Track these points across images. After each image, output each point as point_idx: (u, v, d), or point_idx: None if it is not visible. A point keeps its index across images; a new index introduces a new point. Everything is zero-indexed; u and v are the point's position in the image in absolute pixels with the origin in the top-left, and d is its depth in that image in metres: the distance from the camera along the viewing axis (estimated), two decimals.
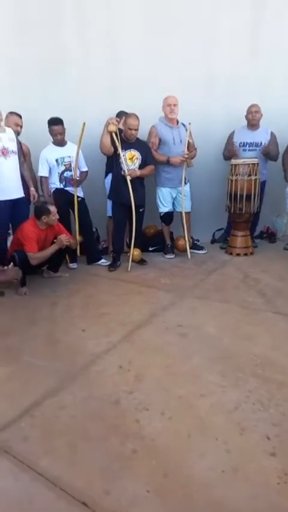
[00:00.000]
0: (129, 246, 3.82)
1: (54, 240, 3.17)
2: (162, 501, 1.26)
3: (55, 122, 3.49)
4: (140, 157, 3.53)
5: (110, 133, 3.32)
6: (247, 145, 3.92)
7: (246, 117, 3.87)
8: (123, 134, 3.44)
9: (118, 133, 3.36)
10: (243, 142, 3.93)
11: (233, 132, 4.00)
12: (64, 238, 3.10)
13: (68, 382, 1.90)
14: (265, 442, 1.48)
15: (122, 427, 1.58)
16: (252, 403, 1.69)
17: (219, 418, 1.62)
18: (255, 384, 1.82)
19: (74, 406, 1.73)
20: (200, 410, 1.66)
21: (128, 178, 3.42)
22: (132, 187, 3.43)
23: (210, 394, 1.77)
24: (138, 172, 3.49)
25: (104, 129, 3.34)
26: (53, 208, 3.10)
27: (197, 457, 1.42)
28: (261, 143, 3.89)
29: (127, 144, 3.46)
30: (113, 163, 3.58)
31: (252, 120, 3.84)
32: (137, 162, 3.53)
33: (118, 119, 3.46)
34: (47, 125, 3.54)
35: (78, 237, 3.76)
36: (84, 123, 3.40)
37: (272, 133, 3.91)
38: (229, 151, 3.94)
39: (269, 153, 3.83)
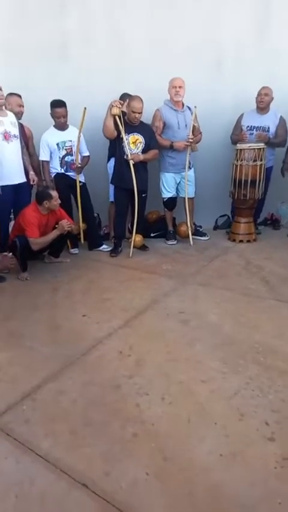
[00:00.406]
0: (131, 232, 3.79)
1: (56, 226, 3.14)
2: (162, 484, 1.27)
3: (58, 104, 3.42)
4: (144, 141, 3.46)
5: (113, 116, 3.25)
6: (254, 129, 3.83)
7: (256, 99, 3.77)
8: (127, 117, 3.37)
9: (122, 116, 3.29)
10: (251, 126, 3.85)
11: (242, 115, 3.91)
12: (66, 224, 3.07)
13: (69, 367, 1.91)
14: (264, 428, 1.48)
15: (123, 411, 1.60)
16: (252, 390, 1.70)
17: (219, 403, 1.63)
18: (256, 370, 1.82)
19: (74, 390, 1.74)
20: (200, 396, 1.67)
21: (131, 162, 3.36)
22: (135, 172, 3.38)
23: (210, 380, 1.77)
24: (141, 157, 3.43)
25: (107, 112, 3.27)
26: (54, 193, 3.06)
27: (197, 441, 1.43)
28: (268, 128, 3.80)
29: (130, 127, 3.39)
30: (116, 147, 3.52)
31: (260, 102, 3.74)
32: (140, 146, 3.47)
33: (122, 102, 3.37)
34: (47, 108, 3.47)
35: (81, 225, 3.73)
36: (85, 108, 3.34)
37: (281, 118, 3.81)
38: (237, 136, 3.87)
39: (268, 140, 3.74)
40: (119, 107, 3.25)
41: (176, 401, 1.65)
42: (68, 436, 1.48)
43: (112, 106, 3.22)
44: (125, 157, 3.38)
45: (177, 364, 1.91)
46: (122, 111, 3.32)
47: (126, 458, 1.37)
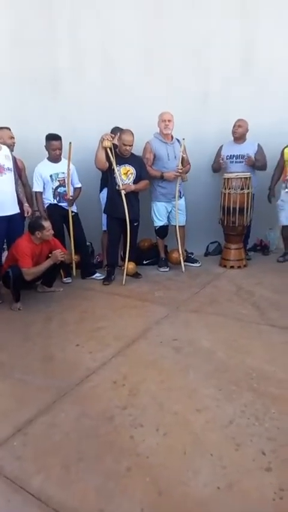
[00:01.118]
0: (123, 260, 3.83)
1: (49, 255, 3.17)
2: None
3: (54, 138, 3.55)
4: (135, 172, 3.58)
5: (105, 148, 3.38)
6: (234, 158, 4.02)
7: (231, 130, 3.99)
8: (118, 150, 3.50)
9: (113, 148, 3.42)
10: (231, 155, 4.04)
11: (221, 146, 4.12)
12: (59, 254, 3.10)
13: (62, 399, 1.88)
14: (261, 458, 1.46)
15: (117, 444, 1.56)
16: (247, 418, 1.68)
17: (214, 433, 1.61)
18: (251, 397, 1.81)
19: (67, 423, 1.70)
20: (195, 426, 1.65)
21: (123, 192, 3.45)
22: (127, 202, 3.47)
23: (205, 409, 1.75)
24: (132, 187, 3.54)
25: (98, 145, 3.39)
26: (46, 224, 3.11)
27: (192, 473, 1.41)
28: (247, 155, 3.99)
29: (122, 159, 3.52)
30: (107, 178, 3.63)
31: (235, 133, 3.98)
32: (132, 177, 3.58)
33: (113, 135, 3.52)
34: (41, 141, 3.59)
35: (74, 256, 3.77)
36: (70, 143, 3.47)
37: (258, 145, 4.02)
38: (216, 163, 4.07)
39: (254, 163, 3.92)
40: (110, 140, 3.38)
41: (170, 432, 1.62)
42: (60, 471, 1.44)
43: (103, 139, 3.35)
44: (117, 187, 3.48)
45: (172, 393, 1.89)
46: (113, 144, 3.46)
47: (120, 494, 1.33)
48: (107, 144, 3.35)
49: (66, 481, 1.40)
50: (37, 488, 1.37)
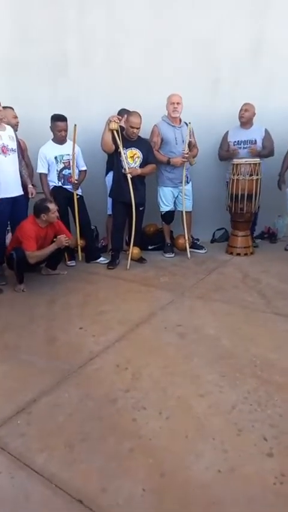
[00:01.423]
0: (128, 244, 3.81)
1: (54, 239, 3.15)
2: (159, 500, 1.25)
3: (60, 118, 3.48)
4: (141, 155, 3.51)
5: (112, 131, 3.31)
6: (241, 144, 3.92)
7: (238, 115, 3.89)
8: (125, 132, 3.43)
9: (120, 131, 3.35)
10: (238, 141, 3.94)
11: (227, 132, 4.01)
12: (64, 239, 3.07)
13: (65, 381, 1.89)
14: (262, 443, 1.47)
15: (119, 426, 1.58)
16: (250, 404, 1.68)
17: (216, 418, 1.61)
18: (254, 385, 1.81)
19: (70, 404, 1.72)
20: (197, 411, 1.65)
21: (129, 176, 3.40)
22: (132, 186, 3.42)
23: (208, 395, 1.76)
24: (139, 171, 3.48)
25: (105, 127, 3.33)
26: (52, 206, 3.08)
27: (194, 457, 1.41)
28: (255, 140, 3.90)
29: (128, 142, 3.45)
30: (114, 161, 3.57)
31: (241, 117, 3.86)
32: (138, 161, 3.52)
33: (120, 117, 3.44)
34: (47, 121, 3.52)
35: (80, 241, 3.74)
36: (75, 125, 3.42)
37: (266, 130, 3.92)
38: (227, 151, 3.96)
39: (258, 153, 3.82)
40: (117, 122, 3.31)
41: (173, 416, 1.63)
42: (64, 451, 1.46)
43: (110, 121, 3.28)
44: (123, 171, 3.43)
45: (175, 378, 1.89)
46: (120, 126, 3.38)
47: (122, 474, 1.35)
48: (114, 126, 3.28)
49: (70, 460, 1.41)
50: (40, 466, 1.39)
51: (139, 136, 3.49)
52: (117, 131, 3.32)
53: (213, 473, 1.34)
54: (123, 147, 3.39)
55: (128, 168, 3.41)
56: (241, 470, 1.36)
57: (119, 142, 3.35)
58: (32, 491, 1.29)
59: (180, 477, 1.34)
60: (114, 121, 3.28)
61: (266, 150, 3.90)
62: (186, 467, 1.37)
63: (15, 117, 3.46)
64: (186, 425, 1.57)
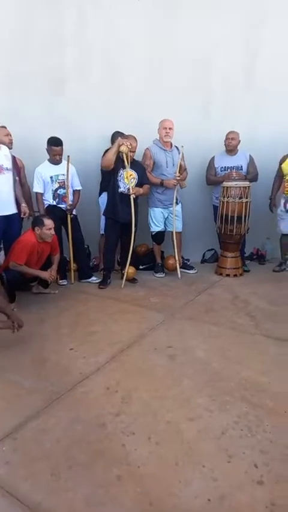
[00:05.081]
0: (119, 264, 3.82)
1: (50, 254, 3.26)
2: None
3: (56, 143, 3.53)
4: (137, 176, 3.59)
5: (121, 153, 3.39)
6: (228, 170, 4.04)
7: (224, 142, 4.01)
8: (121, 154, 3.50)
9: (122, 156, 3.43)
10: (225, 167, 4.06)
11: (213, 157, 4.13)
12: (49, 277, 3.16)
13: (53, 404, 1.85)
14: (253, 470, 1.45)
15: (108, 452, 1.54)
16: (240, 429, 1.67)
17: (207, 444, 1.59)
18: (244, 409, 1.80)
19: (58, 429, 1.68)
20: (187, 436, 1.63)
21: (132, 197, 3.46)
22: (130, 206, 3.47)
23: (198, 419, 1.74)
24: (141, 191, 3.57)
25: (114, 147, 3.39)
26: (47, 222, 3.09)
27: (183, 485, 1.39)
28: (241, 166, 4.03)
29: (124, 163, 3.52)
30: (107, 182, 3.63)
31: (228, 146, 4.00)
32: (134, 181, 3.58)
33: (129, 145, 3.51)
34: (43, 140, 3.56)
35: (73, 264, 3.75)
36: (68, 157, 3.51)
37: (250, 156, 4.06)
38: (212, 175, 4.08)
39: (244, 178, 3.93)
40: (129, 147, 3.41)
41: (163, 441, 1.61)
42: (49, 478, 1.42)
43: (122, 144, 3.38)
44: (126, 191, 3.49)
45: (165, 401, 1.88)
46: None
47: (110, 503, 1.32)
48: (125, 149, 3.38)
49: (55, 489, 1.37)
50: (24, 494, 1.34)
51: (134, 158, 3.57)
52: (126, 155, 3.41)
53: (202, 502, 1.32)
54: (120, 168, 3.47)
55: (132, 188, 3.47)
56: (231, 499, 1.33)
57: (127, 164, 3.44)
58: None
59: (169, 506, 1.31)
60: (127, 145, 3.39)
61: (251, 175, 4.03)
62: (175, 495, 1.35)
63: (7, 135, 3.46)
64: (176, 452, 1.54)
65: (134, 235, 3.57)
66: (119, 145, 3.38)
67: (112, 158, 3.40)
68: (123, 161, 3.44)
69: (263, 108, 4.24)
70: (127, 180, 3.54)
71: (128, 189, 3.48)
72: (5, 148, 3.26)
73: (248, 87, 4.27)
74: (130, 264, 3.67)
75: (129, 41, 4.05)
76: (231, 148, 4.01)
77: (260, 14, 4.12)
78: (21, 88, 3.95)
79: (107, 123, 3.91)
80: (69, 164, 3.59)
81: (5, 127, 3.48)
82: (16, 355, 2.33)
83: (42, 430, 1.67)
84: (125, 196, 3.49)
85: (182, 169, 3.79)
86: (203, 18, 4.05)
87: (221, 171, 4.06)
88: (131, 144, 3.43)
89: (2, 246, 3.38)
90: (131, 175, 3.55)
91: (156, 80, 4.12)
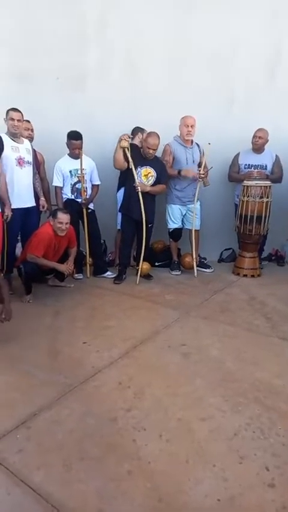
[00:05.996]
0: (135, 260, 3.82)
1: (68, 247, 3.31)
2: None
3: (75, 137, 3.54)
4: (155, 174, 3.57)
5: (122, 148, 3.38)
6: (252, 167, 3.96)
7: (251, 140, 3.93)
8: (142, 151, 3.49)
9: (130, 148, 3.41)
10: (249, 165, 3.99)
11: (238, 154, 4.05)
12: (66, 269, 3.19)
13: (66, 396, 1.88)
14: (264, 473, 1.44)
15: (119, 447, 1.56)
16: (252, 431, 1.65)
17: (218, 444, 1.58)
18: (257, 411, 1.78)
19: (70, 421, 1.70)
20: (198, 435, 1.63)
21: (138, 190, 3.45)
22: (143, 202, 3.46)
23: (210, 419, 1.73)
24: (148, 188, 3.53)
25: (116, 146, 3.40)
26: (61, 215, 3.10)
27: (194, 483, 1.39)
28: (266, 166, 3.95)
29: (144, 160, 3.51)
30: (126, 177, 3.63)
31: (255, 144, 3.92)
32: (152, 179, 3.57)
33: (130, 135, 3.51)
34: (62, 135, 3.59)
35: (89, 259, 3.78)
36: (83, 169, 3.55)
37: (276, 156, 3.97)
38: (235, 173, 4.01)
39: (267, 177, 3.85)
40: (128, 140, 3.39)
41: (173, 439, 1.61)
42: (62, 469, 1.44)
43: (121, 139, 3.35)
44: (134, 185, 3.47)
45: (177, 399, 1.87)
46: (133, 144, 3.46)
47: (120, 497, 1.33)
48: (125, 144, 3.37)
49: (67, 480, 1.39)
50: (37, 484, 1.37)
51: (155, 156, 3.55)
52: (128, 149, 3.40)
53: (212, 501, 1.31)
54: (138, 165, 3.46)
55: (138, 182, 3.46)
56: (241, 500, 1.32)
57: (130, 160, 3.41)
58: (28, 509, 1.28)
59: (178, 503, 1.31)
60: (125, 139, 3.36)
61: (275, 175, 3.94)
62: (184, 493, 1.35)
63: (27, 129, 3.49)
64: (187, 450, 1.54)
65: (147, 232, 3.56)
66: (119, 141, 3.36)
67: (120, 158, 3.40)
68: (125, 156, 3.40)
69: (286, 107, 4.14)
70: (145, 177, 3.53)
71: (135, 184, 3.45)
72: (27, 142, 3.30)
73: (271, 86, 4.17)
74: (144, 260, 3.67)
75: (149, 40, 4.02)
76: (257, 146, 3.92)
77: (283, 6, 4.01)
78: (43, 84, 3.99)
79: (126, 119, 3.90)
80: (85, 158, 3.61)
81: (28, 121, 3.52)
82: (31, 347, 2.38)
83: (55, 421, 1.70)
84: (140, 194, 3.48)
85: (203, 166, 3.74)
86: (222, 13, 3.96)
87: (245, 168, 3.99)
88: (129, 136, 3.42)
89: (19, 238, 3.43)
90: (149, 173, 3.53)
91: (176, 78, 4.07)
